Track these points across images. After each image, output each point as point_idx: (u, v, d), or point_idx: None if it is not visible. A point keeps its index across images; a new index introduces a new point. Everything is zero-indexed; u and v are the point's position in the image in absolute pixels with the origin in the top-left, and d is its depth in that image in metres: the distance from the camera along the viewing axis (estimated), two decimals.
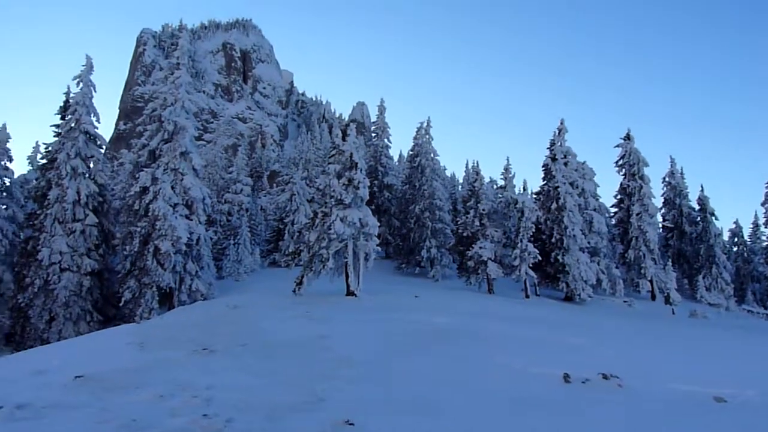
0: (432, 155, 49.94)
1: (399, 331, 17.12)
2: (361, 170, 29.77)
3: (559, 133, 41.82)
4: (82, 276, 31.60)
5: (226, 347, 15.02)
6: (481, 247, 37.44)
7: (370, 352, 13.94)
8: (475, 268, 37.95)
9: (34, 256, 31.98)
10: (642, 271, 44.94)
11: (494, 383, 10.92)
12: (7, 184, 36.72)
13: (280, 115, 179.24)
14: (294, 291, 29.22)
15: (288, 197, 52.59)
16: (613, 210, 49.88)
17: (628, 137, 48.25)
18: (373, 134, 60.52)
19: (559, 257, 38.07)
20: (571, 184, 41.00)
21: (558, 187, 39.17)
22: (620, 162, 48.62)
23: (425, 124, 51.33)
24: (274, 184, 74.31)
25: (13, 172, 37.25)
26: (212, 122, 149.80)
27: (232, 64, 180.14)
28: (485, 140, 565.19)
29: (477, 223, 39.15)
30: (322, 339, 15.87)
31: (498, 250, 38.29)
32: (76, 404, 9.43)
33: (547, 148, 41.61)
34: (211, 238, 40.85)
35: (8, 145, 36.97)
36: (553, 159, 40.76)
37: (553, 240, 38.76)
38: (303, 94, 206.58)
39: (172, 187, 31.38)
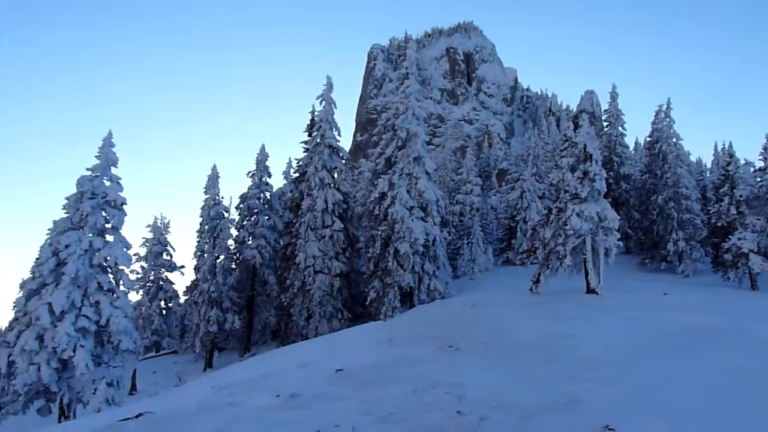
0: (674, 140, 45.58)
1: (651, 332, 15.75)
2: (596, 162, 28.17)
3: None
4: (333, 277, 34.53)
5: (470, 345, 15.22)
6: (739, 238, 33.26)
7: (621, 354, 13.01)
8: (734, 262, 33.81)
9: (292, 260, 35.89)
10: None
11: None
12: (268, 197, 41.97)
13: (506, 113, 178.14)
14: (531, 289, 28.65)
15: (518, 195, 51.97)
16: None
17: None
18: (605, 123, 57.05)
19: None
20: None
21: None
22: None
23: (665, 107, 47.01)
24: (503, 183, 73.68)
25: (272, 187, 42.44)
26: (440, 126, 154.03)
27: (456, 68, 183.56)
28: (736, 119, 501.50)
29: (733, 211, 34.89)
30: (566, 338, 15.24)
31: (761, 240, 33.67)
32: (339, 396, 10.28)
33: None
34: (445, 239, 41.84)
35: (267, 163, 42.19)
36: None
37: None
38: (527, 90, 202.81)
39: (408, 191, 32.85)
